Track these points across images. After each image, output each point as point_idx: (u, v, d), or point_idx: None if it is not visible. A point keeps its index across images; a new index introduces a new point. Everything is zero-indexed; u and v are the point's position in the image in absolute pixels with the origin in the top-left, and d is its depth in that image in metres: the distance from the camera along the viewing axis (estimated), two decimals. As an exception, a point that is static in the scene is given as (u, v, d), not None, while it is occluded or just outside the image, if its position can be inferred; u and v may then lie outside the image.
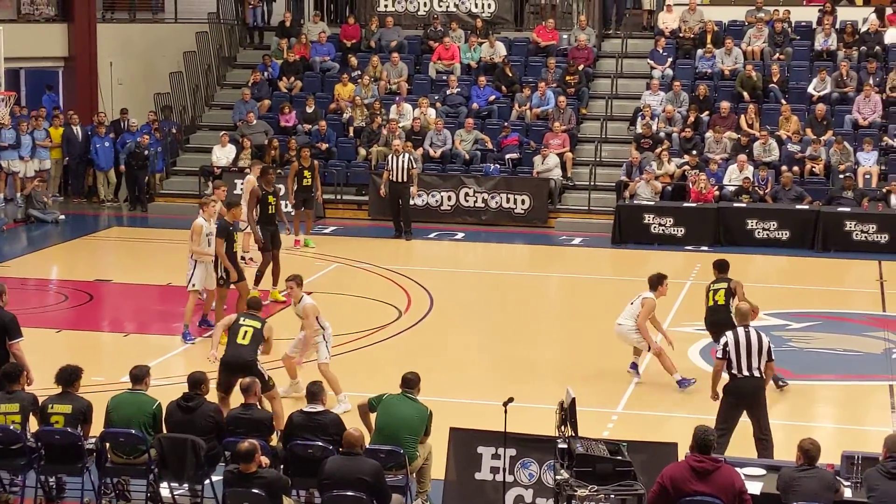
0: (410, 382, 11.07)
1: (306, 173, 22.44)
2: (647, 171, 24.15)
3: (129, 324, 17.65)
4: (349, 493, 9.83)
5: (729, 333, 12.02)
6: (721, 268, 15.45)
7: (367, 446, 10.55)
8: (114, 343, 16.73)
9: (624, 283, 20.96)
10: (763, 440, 12.00)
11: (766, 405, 12.05)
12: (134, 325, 17.59)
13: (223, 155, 25.54)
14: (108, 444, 10.97)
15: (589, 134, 26.64)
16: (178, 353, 15.96)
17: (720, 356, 11.95)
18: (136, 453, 10.89)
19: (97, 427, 11.12)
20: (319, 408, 10.86)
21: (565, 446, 9.69)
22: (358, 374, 14.93)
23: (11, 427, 10.90)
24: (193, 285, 16.33)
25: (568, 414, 9.84)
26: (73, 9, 28.53)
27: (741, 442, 12.87)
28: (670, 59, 27.44)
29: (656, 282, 15.10)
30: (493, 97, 27.02)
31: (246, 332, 12.85)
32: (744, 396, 11.94)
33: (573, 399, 9.86)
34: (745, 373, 11.87)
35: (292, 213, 22.56)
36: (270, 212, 18.48)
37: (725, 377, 12.02)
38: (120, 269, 21.11)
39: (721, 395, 12.04)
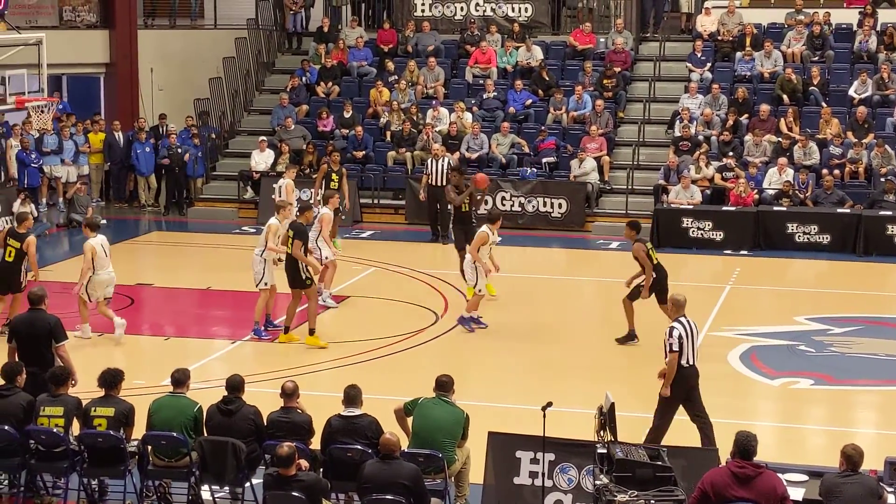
0: (444, 385, 11.08)
1: (334, 176, 22.57)
2: (683, 176, 24.05)
3: (169, 327, 17.75)
4: (388, 497, 9.85)
5: (678, 325, 12.16)
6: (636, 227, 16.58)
7: (406, 450, 10.58)
8: (154, 346, 16.84)
9: (662, 287, 20.90)
10: (701, 417, 12.21)
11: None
12: (174, 328, 17.69)
13: (262, 160, 25.67)
14: (149, 447, 11.06)
15: (626, 137, 26.58)
16: (217, 357, 16.06)
17: (676, 349, 12.07)
18: (178, 456, 10.97)
19: (139, 430, 11.20)
20: (357, 411, 10.88)
21: (605, 451, 9.68)
22: (395, 378, 14.98)
23: (55, 430, 11.00)
24: (266, 284, 16.83)
25: (607, 418, 9.83)
26: (114, 15, 28.77)
27: (785, 446, 12.84)
28: (709, 62, 27.33)
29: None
30: (529, 101, 27.01)
31: None
32: (689, 384, 12.17)
33: (612, 404, 9.85)
34: (691, 361, 12.15)
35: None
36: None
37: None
38: (160, 273, 21.25)
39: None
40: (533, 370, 15.73)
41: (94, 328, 16.64)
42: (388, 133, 26.71)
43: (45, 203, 25.87)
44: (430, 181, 23.42)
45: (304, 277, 16.31)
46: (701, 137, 25.34)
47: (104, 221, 24.72)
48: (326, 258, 18.22)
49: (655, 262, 16.33)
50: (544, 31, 29.18)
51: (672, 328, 12.12)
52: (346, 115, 26.94)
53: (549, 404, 10.21)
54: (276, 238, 16.85)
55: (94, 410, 11.08)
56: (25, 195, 24.18)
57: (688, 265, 22.64)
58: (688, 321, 12.22)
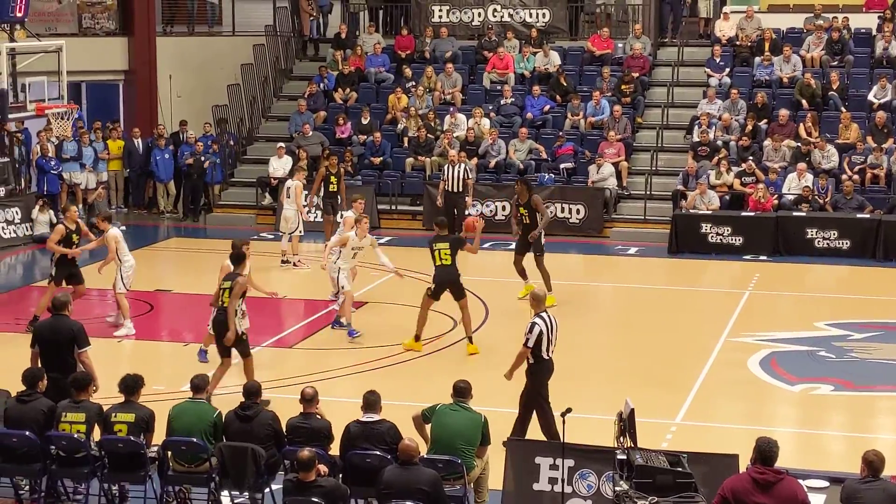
0: (462, 391, 11.08)
1: (332, 179, 22.78)
2: (699, 183, 24.01)
3: (188, 333, 17.78)
4: (408, 503, 9.85)
5: (539, 321, 12.40)
6: (442, 225, 16.99)
7: (425, 456, 10.58)
8: (173, 352, 16.87)
9: (681, 293, 20.90)
10: (529, 410, 12.50)
11: None
12: (193, 334, 17.70)
13: (280, 166, 25.72)
14: (169, 453, 11.09)
15: (644, 143, 26.55)
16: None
17: (531, 345, 12.32)
18: (198, 461, 10.99)
19: (159, 435, 11.23)
20: (376, 417, 10.88)
21: (624, 457, 9.66)
22: (413, 384, 14.98)
23: (76, 436, 11.03)
24: (343, 287, 17.18)
25: (627, 425, 9.82)
26: (132, 23, 28.89)
27: (805, 452, 12.80)
28: (727, 67, 27.28)
29: None
30: (547, 107, 27.00)
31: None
32: (549, 374, 12.52)
33: (632, 410, 9.83)
34: (551, 354, 12.49)
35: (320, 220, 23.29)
36: None
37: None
38: (179, 279, 21.31)
39: (521, 376, 12.52)
40: (552, 376, 15.67)
41: (107, 334, 16.68)
42: (406, 139, 26.73)
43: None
44: (447, 187, 23.43)
45: (241, 336, 14.30)
46: (720, 143, 25.29)
47: (123, 228, 24.91)
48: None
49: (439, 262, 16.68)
50: (562, 37, 29.16)
51: (533, 324, 12.41)
52: (364, 121, 26.97)
53: (569, 410, 10.21)
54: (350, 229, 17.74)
55: (115, 416, 11.11)
56: (44, 202, 24.29)
57: (707, 271, 22.62)
58: (549, 316, 12.50)
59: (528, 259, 19.06)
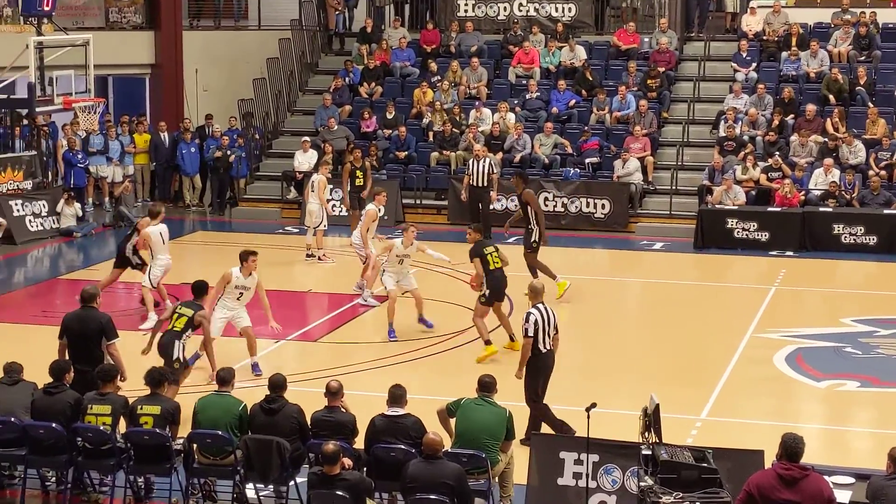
0: (487, 385, 11.09)
1: (358, 173, 22.83)
2: (725, 178, 23.92)
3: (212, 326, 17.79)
4: (433, 497, 9.86)
5: (534, 311, 12.46)
6: (479, 230, 16.57)
7: (450, 450, 10.59)
8: (199, 345, 16.88)
9: (707, 288, 20.84)
10: (538, 401, 12.60)
11: None
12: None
13: (305, 160, 25.76)
14: (195, 445, 11.13)
15: (670, 138, 26.47)
16: (260, 356, 16.11)
17: (531, 334, 12.37)
18: (223, 454, 11.03)
19: (185, 428, 11.27)
20: (401, 411, 10.89)
21: (649, 453, 9.63)
22: (438, 379, 15.00)
23: (102, 428, 11.09)
24: (386, 286, 17.07)
25: (652, 420, 9.79)
26: (159, 17, 28.99)
27: (831, 449, 12.75)
28: (754, 62, 27.17)
29: None
30: (572, 101, 26.95)
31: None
32: (546, 369, 12.55)
33: (657, 405, 9.80)
34: (548, 347, 12.54)
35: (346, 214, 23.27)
36: None
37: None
38: (204, 273, 21.21)
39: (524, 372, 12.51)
40: (577, 371, 15.67)
41: (133, 326, 16.76)
42: (431, 133, 26.73)
43: (91, 203, 26.09)
44: (471, 182, 23.42)
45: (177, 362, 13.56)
46: (746, 138, 25.19)
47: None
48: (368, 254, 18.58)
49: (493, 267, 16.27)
50: (588, 31, 29.10)
51: (529, 314, 12.49)
52: (389, 115, 26.98)
53: (594, 405, 10.19)
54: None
55: (141, 409, 11.16)
56: (70, 195, 24.42)
57: (733, 266, 22.54)
58: (545, 307, 12.56)
59: (544, 253, 18.95)
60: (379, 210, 19.46)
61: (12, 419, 11.27)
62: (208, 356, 14.15)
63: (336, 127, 26.61)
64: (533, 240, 18.52)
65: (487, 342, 15.96)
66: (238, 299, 15.05)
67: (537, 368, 12.46)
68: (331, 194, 23.65)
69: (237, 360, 15.16)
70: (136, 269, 18.10)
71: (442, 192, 25.80)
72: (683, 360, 16.11)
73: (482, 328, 15.99)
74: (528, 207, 18.62)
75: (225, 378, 11.42)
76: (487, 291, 15.99)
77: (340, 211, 24.22)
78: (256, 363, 15.08)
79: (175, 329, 13.59)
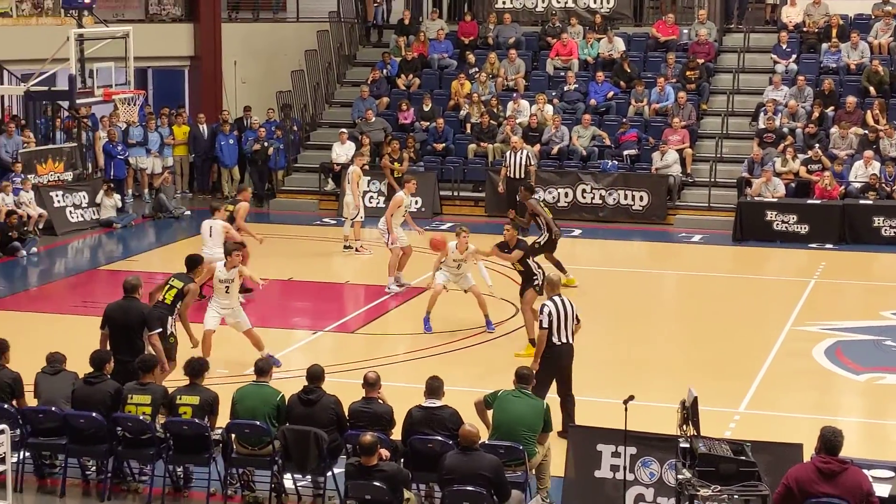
0: (524, 377, 11.09)
1: (396, 165, 22.83)
2: (764, 169, 23.79)
3: (251, 317, 17.85)
4: (469, 489, 9.88)
5: (549, 304, 12.43)
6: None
7: (487, 442, 10.60)
8: (237, 336, 16.97)
9: (746, 280, 20.75)
10: (569, 396, 12.53)
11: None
12: (256, 318, 17.79)
13: (342, 152, 25.81)
14: (233, 435, 11.20)
15: (709, 130, 26.34)
16: (298, 347, 16.21)
17: (545, 326, 12.33)
18: (261, 444, 11.09)
19: (223, 418, 11.34)
20: (438, 403, 10.91)
21: (687, 445, 9.60)
22: (474, 371, 15.01)
23: (142, 418, 11.18)
24: (435, 279, 16.97)
25: (690, 413, 9.75)
26: (198, 9, 29.13)
27: (870, 442, 12.67)
28: (794, 54, 26.99)
29: None
30: (611, 93, 26.87)
31: None
32: (563, 362, 12.45)
33: (695, 398, 9.77)
34: (564, 340, 12.42)
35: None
36: None
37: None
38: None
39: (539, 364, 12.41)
40: (614, 364, 15.67)
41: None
42: (469, 125, 26.72)
43: (130, 194, 26.27)
44: (508, 174, 23.40)
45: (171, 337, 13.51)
46: (786, 130, 25.03)
47: (189, 213, 25.18)
48: (393, 244, 18.80)
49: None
50: (626, 23, 28.99)
51: (544, 306, 12.49)
52: (426, 108, 26.99)
53: (631, 398, 10.17)
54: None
55: (180, 399, 11.24)
56: (109, 186, 24.59)
57: (772, 259, 22.43)
58: (561, 300, 12.52)
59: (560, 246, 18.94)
60: (408, 197, 19.42)
61: (53, 408, 11.39)
62: (185, 328, 13.90)
63: (374, 119, 26.66)
64: (535, 241, 18.36)
65: (532, 341, 15.75)
66: (227, 292, 14.95)
67: (551, 360, 12.41)
68: (368, 186, 23.74)
69: (277, 349, 15.25)
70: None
71: (479, 184, 25.79)
72: (722, 353, 16.04)
73: (530, 321, 15.78)
74: (538, 218, 18.66)
75: (263, 368, 11.48)
76: (541, 280, 15.82)
77: (378, 202, 24.27)
78: (271, 355, 14.87)
79: (165, 302, 13.51)
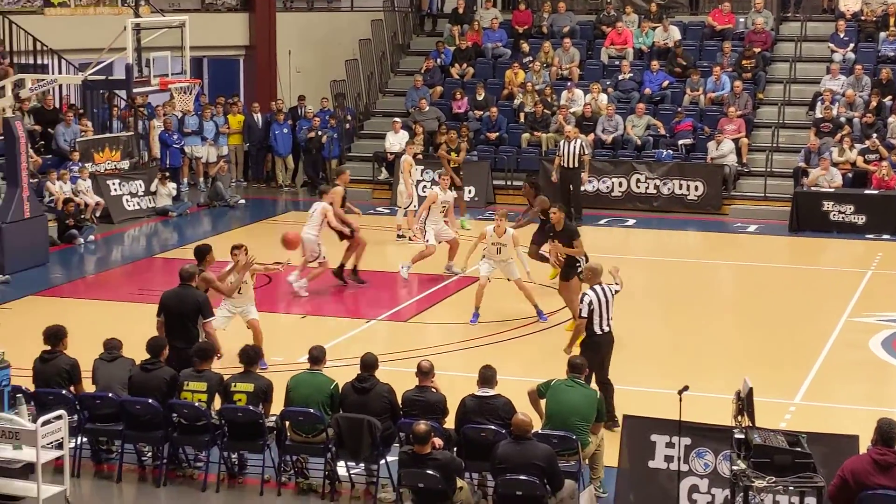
0: (577, 367, 11.06)
1: (453, 154, 22.83)
2: (822, 158, 23.55)
3: (305, 306, 18.01)
4: (522, 478, 9.88)
5: (590, 293, 12.40)
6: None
7: (540, 432, 10.59)
8: (292, 324, 17.11)
9: (802, 271, 20.59)
10: (606, 385, 12.42)
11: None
12: (310, 307, 17.95)
13: (396, 141, 25.84)
14: (287, 423, 11.26)
15: (766, 119, 26.12)
16: (352, 336, 16.27)
17: (584, 315, 12.33)
18: (315, 432, 11.14)
19: (277, 406, 11.41)
20: (491, 392, 10.91)
21: (742, 436, 9.55)
22: (526, 360, 14.99)
23: (197, 404, 11.27)
24: (480, 272, 16.96)
25: (745, 404, 9.69)
26: (254, -1, 29.30)
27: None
28: (851, 43, 26.68)
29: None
30: (666, 82, 26.71)
31: None
32: (602, 350, 12.45)
33: (750, 389, 9.70)
34: (605, 328, 12.47)
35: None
36: None
37: None
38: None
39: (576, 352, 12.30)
40: (669, 354, 15.60)
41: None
42: (522, 114, 26.66)
43: (186, 183, 26.47)
44: (562, 163, 23.34)
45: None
46: (843, 119, 24.77)
47: (243, 201, 25.32)
48: (428, 241, 18.95)
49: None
50: (682, 12, 28.83)
51: (584, 295, 12.48)
52: (479, 97, 26.96)
53: (686, 388, 10.12)
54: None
55: (235, 386, 11.33)
56: (164, 175, 24.79)
57: (828, 249, 22.23)
58: (602, 289, 12.51)
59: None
60: (444, 193, 19.27)
61: (110, 394, 11.51)
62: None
63: (427, 108, 26.67)
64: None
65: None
66: (239, 293, 14.49)
67: (592, 349, 12.36)
68: (421, 175, 23.75)
69: (331, 337, 15.33)
70: (346, 238, 18.46)
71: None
72: (777, 344, 15.92)
73: (574, 303, 15.84)
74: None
75: (317, 357, 11.53)
76: (585, 268, 15.87)
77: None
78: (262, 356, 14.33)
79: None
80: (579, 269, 15.76)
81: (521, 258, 17.48)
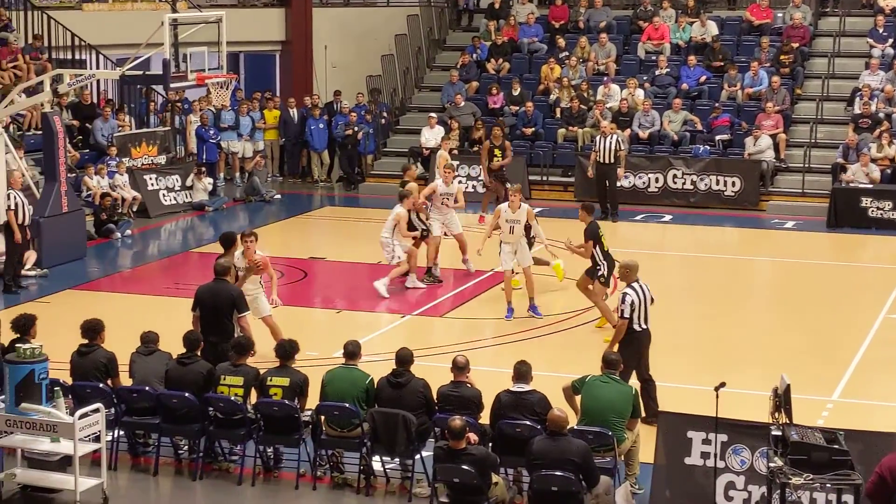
0: (613, 363, 11.03)
1: (497, 152, 22.83)
2: (862, 154, 23.36)
3: (340, 301, 18.05)
4: (558, 474, 9.85)
5: (630, 291, 12.29)
6: (590, 210, 16.28)
7: (576, 428, 10.56)
8: (326, 319, 17.15)
9: (840, 268, 20.43)
10: (648, 381, 12.43)
11: None
12: (345, 302, 17.98)
13: (431, 136, 25.85)
14: (323, 417, 11.28)
15: (804, 114, 25.94)
16: (386, 331, 16.28)
17: (626, 315, 12.21)
18: (350, 427, 11.15)
19: (313, 400, 11.43)
20: (526, 387, 10.89)
21: (779, 433, 9.48)
22: (563, 356, 14.96)
23: (233, 398, 11.31)
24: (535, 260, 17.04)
25: (782, 400, 9.63)
26: (290, -6, 29.37)
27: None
28: (891, 38, 26.45)
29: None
30: (703, 77, 26.56)
31: None
32: (641, 348, 12.39)
33: (788, 385, 9.64)
34: (644, 325, 12.38)
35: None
36: None
37: None
38: (332, 248, 21.61)
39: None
40: (705, 350, 15.52)
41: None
42: (558, 110, 26.60)
43: (222, 178, 26.56)
44: (598, 158, 23.27)
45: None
46: (882, 115, 24.56)
47: (279, 196, 25.39)
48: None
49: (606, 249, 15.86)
50: (720, 7, 28.69)
51: (625, 294, 12.34)
52: (515, 92, 26.91)
53: (723, 384, 10.06)
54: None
55: (270, 380, 11.35)
56: (200, 169, 24.88)
57: (866, 246, 22.06)
58: (640, 286, 12.39)
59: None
60: (446, 186, 18.81)
61: (147, 388, 11.57)
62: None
63: (463, 103, 26.65)
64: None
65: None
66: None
67: (632, 347, 12.29)
68: (457, 170, 23.73)
69: (366, 332, 15.35)
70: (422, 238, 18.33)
71: (569, 169, 25.67)
72: (815, 341, 15.82)
73: (606, 310, 15.70)
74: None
75: (353, 352, 11.54)
76: (606, 272, 15.72)
77: (467, 187, 24.24)
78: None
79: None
80: (599, 274, 15.66)
81: (524, 246, 17.06)
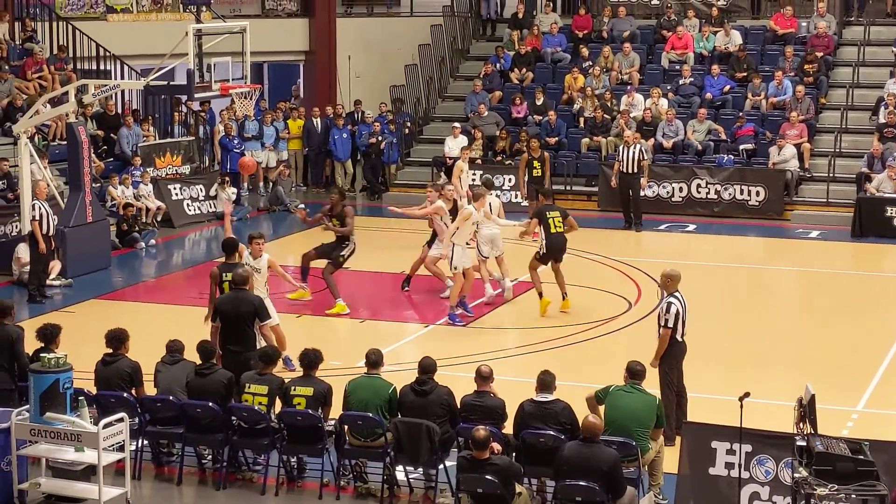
0: (637, 373, 10.99)
1: (536, 164, 22.83)
2: (889, 164, 23.25)
3: (364, 310, 18.05)
4: (583, 484, 9.82)
5: (675, 302, 12.16)
6: (547, 195, 18.28)
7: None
8: (350, 328, 17.15)
9: (864, 277, 20.33)
10: (682, 393, 12.37)
11: None
12: (369, 311, 17.98)
13: (455, 146, 25.83)
14: (346, 427, 11.29)
15: (828, 124, 25.83)
16: (410, 340, 16.28)
17: (671, 325, 12.08)
18: (373, 436, 11.15)
19: (336, 410, 11.44)
20: (550, 397, 10.87)
21: (804, 444, 9.44)
22: (587, 365, 14.93)
23: (257, 407, 11.33)
24: (456, 268, 17.01)
25: (807, 411, 9.59)
26: (313, 4, 29.48)
27: None
28: (916, 47, 26.37)
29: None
30: (727, 87, 26.50)
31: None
32: (681, 358, 12.31)
33: (812, 396, 9.60)
34: (682, 337, 12.26)
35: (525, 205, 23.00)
36: None
37: None
38: (355, 257, 21.49)
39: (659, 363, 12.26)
40: (729, 360, 15.46)
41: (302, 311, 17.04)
42: (582, 119, 26.58)
43: (246, 187, 26.63)
44: (622, 168, 23.24)
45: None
46: (907, 124, 24.45)
47: (303, 206, 25.45)
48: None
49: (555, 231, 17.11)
50: (743, 16, 28.61)
51: (670, 304, 12.19)
52: (539, 102, 26.90)
53: (747, 395, 10.02)
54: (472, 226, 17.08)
55: (294, 390, 11.37)
56: (224, 179, 24.95)
57: (891, 255, 21.95)
58: (681, 298, 12.30)
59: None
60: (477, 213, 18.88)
61: (171, 398, 11.60)
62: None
63: (486, 113, 26.67)
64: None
65: (540, 294, 17.05)
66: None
67: (675, 358, 12.25)
68: (471, 179, 23.72)
69: (390, 342, 15.35)
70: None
71: (592, 179, 25.64)
72: (840, 351, 15.74)
73: (535, 279, 17.09)
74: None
75: (375, 361, 11.54)
76: (544, 251, 17.00)
77: (508, 198, 24.15)
78: (288, 357, 14.21)
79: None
80: (539, 249, 17.01)
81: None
